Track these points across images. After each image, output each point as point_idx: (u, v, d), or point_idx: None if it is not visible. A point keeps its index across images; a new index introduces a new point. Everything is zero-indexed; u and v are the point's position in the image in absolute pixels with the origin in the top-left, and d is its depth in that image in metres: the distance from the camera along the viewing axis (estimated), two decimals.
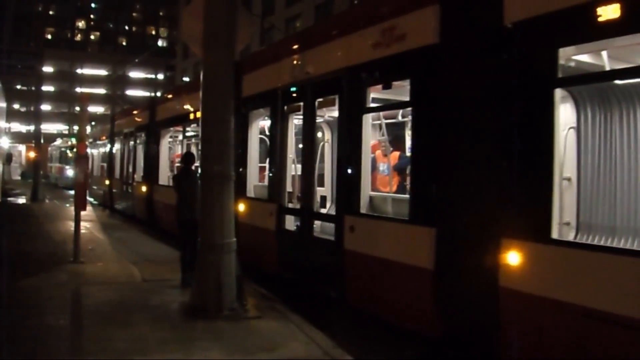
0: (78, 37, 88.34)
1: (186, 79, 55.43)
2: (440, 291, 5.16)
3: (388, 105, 7.01)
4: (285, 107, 7.86)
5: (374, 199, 6.56)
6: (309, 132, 7.37)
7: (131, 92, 76.56)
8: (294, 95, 7.64)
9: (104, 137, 21.91)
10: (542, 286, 4.20)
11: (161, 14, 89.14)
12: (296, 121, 8.10)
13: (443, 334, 5.18)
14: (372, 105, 6.49)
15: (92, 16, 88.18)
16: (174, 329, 5.78)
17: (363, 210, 6.29)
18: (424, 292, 5.30)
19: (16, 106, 73.39)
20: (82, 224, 10.56)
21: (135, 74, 79.23)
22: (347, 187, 6.47)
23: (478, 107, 4.93)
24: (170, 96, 14.68)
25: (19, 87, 72.43)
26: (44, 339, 5.35)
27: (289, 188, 7.94)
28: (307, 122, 7.36)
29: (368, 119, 6.42)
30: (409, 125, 8.50)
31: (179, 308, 6.51)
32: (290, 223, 7.84)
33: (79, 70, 79.66)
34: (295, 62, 7.68)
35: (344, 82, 6.54)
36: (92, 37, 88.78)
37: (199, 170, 7.39)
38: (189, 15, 6.92)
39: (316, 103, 7.24)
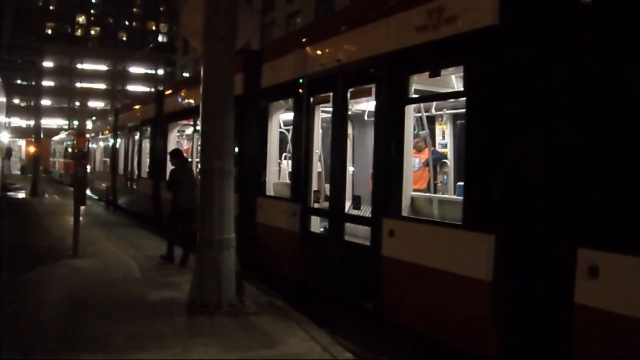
0: (78, 32, 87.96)
1: (186, 74, 54.86)
2: (499, 306, 4.52)
3: (435, 96, 6.35)
4: (312, 99, 7.19)
5: (415, 200, 5.90)
6: (339, 125, 6.69)
7: (131, 88, 76.08)
8: (322, 85, 6.97)
9: (107, 131, 21.21)
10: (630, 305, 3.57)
11: (162, 9, 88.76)
12: (323, 114, 7.44)
13: (501, 356, 4.54)
14: (414, 96, 5.82)
15: (92, 11, 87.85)
16: (172, 324, 5.78)
17: (405, 212, 5.65)
18: (479, 307, 4.66)
19: (16, 101, 73.00)
20: (83, 219, 10.65)
21: (135, 70, 78.81)
22: (386, 186, 5.80)
23: (545, 97, 4.27)
24: (179, 88, 13.97)
25: (19, 81, 72.00)
26: (43, 334, 5.34)
27: (314, 186, 7.27)
28: (338, 114, 6.68)
29: (410, 111, 5.76)
30: (444, 118, 7.94)
31: (178, 303, 6.45)
32: (316, 225, 7.19)
33: (79, 66, 79.36)
34: (324, 48, 7.02)
35: (383, 69, 5.87)
36: (92, 32, 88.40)
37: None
38: (189, 10, 6.88)
39: (348, 93, 6.57)
